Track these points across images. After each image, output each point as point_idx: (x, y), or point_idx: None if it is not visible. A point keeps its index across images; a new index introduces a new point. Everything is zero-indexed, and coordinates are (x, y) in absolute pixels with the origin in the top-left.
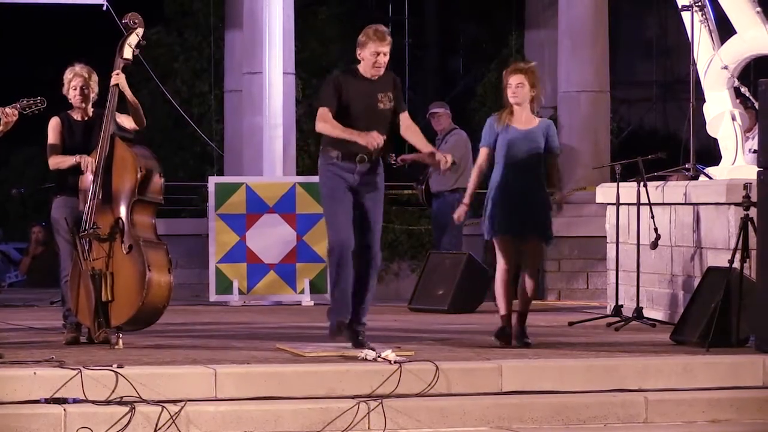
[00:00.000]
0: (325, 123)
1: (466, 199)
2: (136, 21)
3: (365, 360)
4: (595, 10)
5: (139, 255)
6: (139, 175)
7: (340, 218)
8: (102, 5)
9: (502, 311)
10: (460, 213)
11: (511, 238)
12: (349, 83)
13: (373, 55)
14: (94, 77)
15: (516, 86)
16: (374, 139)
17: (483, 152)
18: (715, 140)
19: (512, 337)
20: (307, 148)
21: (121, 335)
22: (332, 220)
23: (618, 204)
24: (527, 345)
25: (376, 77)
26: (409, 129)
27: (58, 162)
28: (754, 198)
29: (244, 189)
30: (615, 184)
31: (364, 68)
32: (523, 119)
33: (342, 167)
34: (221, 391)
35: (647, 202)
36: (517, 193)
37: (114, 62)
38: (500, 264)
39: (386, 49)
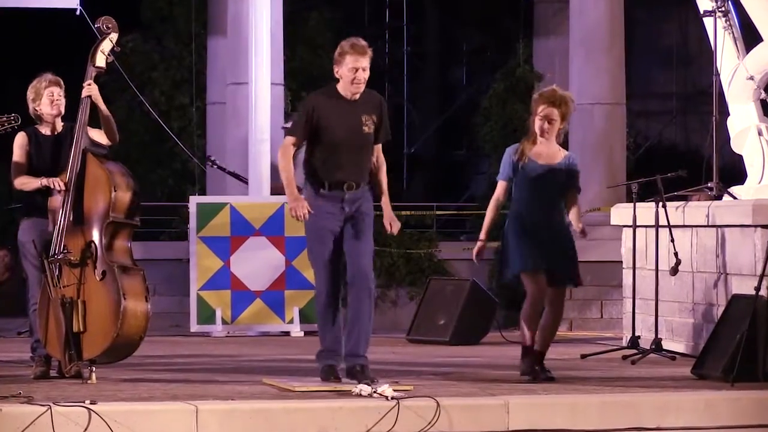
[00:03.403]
0: (282, 158)
1: (483, 235)
2: (110, 26)
3: (360, 396)
4: (610, 16)
5: (113, 282)
6: (113, 195)
7: (325, 262)
8: (75, 10)
9: (528, 341)
10: (478, 249)
11: (539, 274)
12: (327, 106)
13: (351, 71)
14: (63, 87)
15: (549, 121)
16: (297, 210)
17: (501, 186)
18: (740, 157)
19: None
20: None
21: (94, 369)
22: (317, 263)
23: (635, 226)
24: (550, 379)
25: (358, 97)
26: (381, 177)
27: (23, 183)
28: None
29: (228, 210)
30: (632, 204)
31: (343, 87)
32: (546, 153)
33: (329, 198)
34: (203, 430)
35: (667, 224)
36: (543, 227)
37: (85, 71)
38: (533, 300)
39: (365, 63)
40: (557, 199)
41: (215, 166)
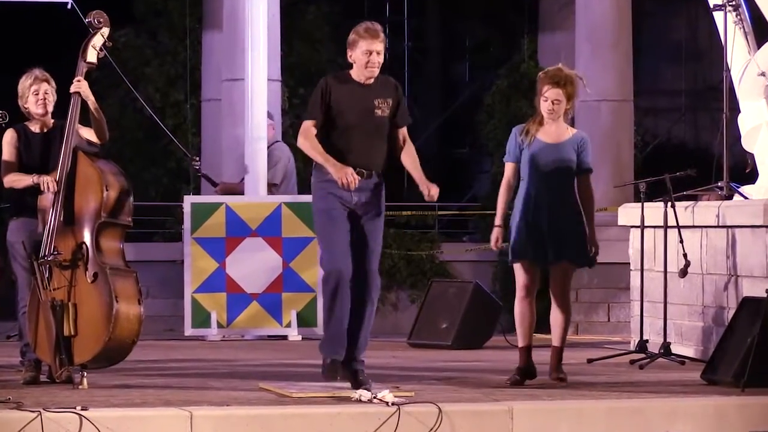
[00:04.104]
0: (305, 140)
1: (498, 221)
2: (101, 20)
3: (359, 401)
4: (617, 11)
5: (105, 284)
6: (104, 194)
7: (337, 242)
8: (67, 3)
9: (521, 343)
10: (495, 236)
11: (531, 264)
12: (340, 88)
13: (365, 54)
14: (53, 84)
15: (554, 102)
16: (347, 177)
17: (509, 168)
18: (752, 155)
19: (548, 372)
20: (295, 164)
21: (85, 374)
22: (328, 244)
23: (643, 227)
24: (561, 380)
25: (371, 81)
26: (408, 155)
27: (13, 180)
28: None
29: (223, 210)
30: (639, 204)
31: (357, 72)
32: (553, 132)
33: (338, 184)
34: None
35: (675, 224)
36: (543, 213)
37: (76, 67)
38: (517, 292)
39: (380, 47)
40: (565, 179)
41: (198, 166)
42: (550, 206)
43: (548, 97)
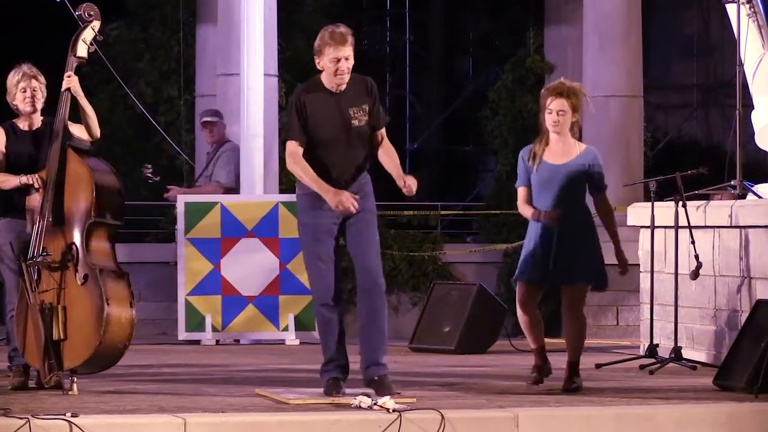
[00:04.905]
0: (295, 164)
1: (539, 211)
2: (92, 13)
3: (359, 408)
4: (627, 3)
5: (95, 286)
6: (95, 193)
7: (323, 266)
8: None
9: (533, 345)
10: (552, 216)
11: (529, 287)
12: (313, 101)
13: (332, 62)
14: (42, 80)
15: (558, 113)
16: (344, 203)
17: (522, 192)
18: (765, 153)
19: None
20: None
21: (75, 379)
22: (314, 267)
23: (653, 227)
24: (574, 390)
25: (343, 88)
26: (386, 153)
27: (1, 181)
28: None
29: (218, 209)
30: (650, 203)
31: (327, 79)
32: (561, 150)
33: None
34: None
35: (687, 224)
36: (553, 238)
37: (66, 62)
38: (518, 311)
39: (348, 52)
40: (574, 199)
41: (149, 173)
42: (560, 229)
43: (552, 109)
